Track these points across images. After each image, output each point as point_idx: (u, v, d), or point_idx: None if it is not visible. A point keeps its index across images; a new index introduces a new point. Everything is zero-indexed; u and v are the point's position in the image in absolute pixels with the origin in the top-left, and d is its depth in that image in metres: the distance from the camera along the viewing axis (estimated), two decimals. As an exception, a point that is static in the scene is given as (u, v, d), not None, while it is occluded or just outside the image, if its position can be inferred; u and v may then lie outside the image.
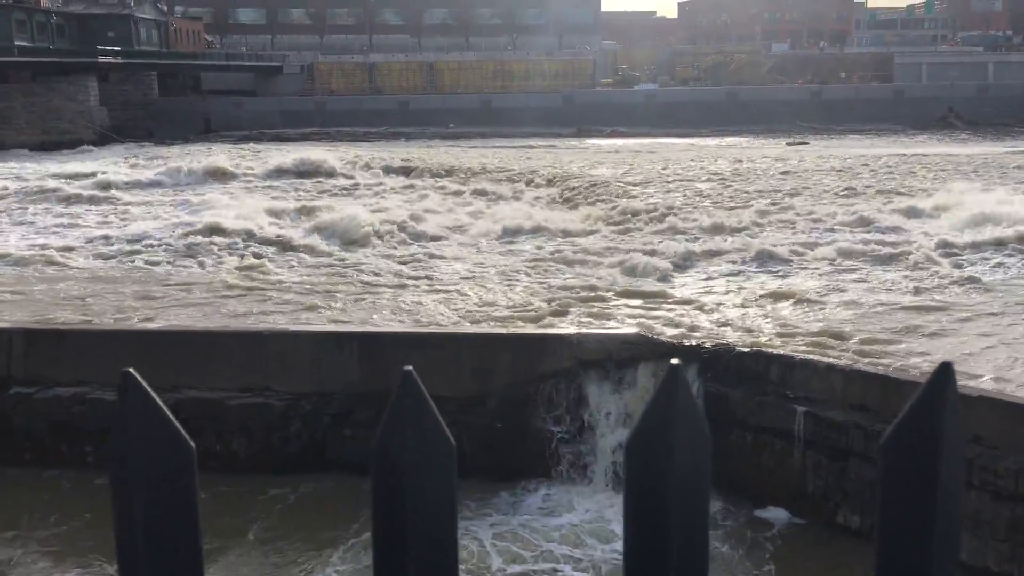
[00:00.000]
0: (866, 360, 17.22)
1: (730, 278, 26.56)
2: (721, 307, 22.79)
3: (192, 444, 1.58)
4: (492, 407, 18.34)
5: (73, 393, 18.79)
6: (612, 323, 21.25)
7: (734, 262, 28.60)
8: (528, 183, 51.43)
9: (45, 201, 47.97)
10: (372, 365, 18.63)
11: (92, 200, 47.92)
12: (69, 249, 34.27)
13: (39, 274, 30.29)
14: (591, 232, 35.95)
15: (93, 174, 57.37)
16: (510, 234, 35.74)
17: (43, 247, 34.47)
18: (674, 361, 1.57)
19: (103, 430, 18.43)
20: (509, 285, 26.79)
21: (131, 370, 1.52)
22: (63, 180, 54.95)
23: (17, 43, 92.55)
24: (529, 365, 18.24)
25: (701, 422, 1.54)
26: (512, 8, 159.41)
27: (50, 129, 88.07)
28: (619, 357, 17.98)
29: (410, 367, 1.62)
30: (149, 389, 1.52)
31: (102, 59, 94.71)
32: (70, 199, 48.21)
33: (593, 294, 24.65)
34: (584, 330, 19.60)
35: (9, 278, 29.81)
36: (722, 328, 20.45)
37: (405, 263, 31.06)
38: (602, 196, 43.74)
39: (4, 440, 18.74)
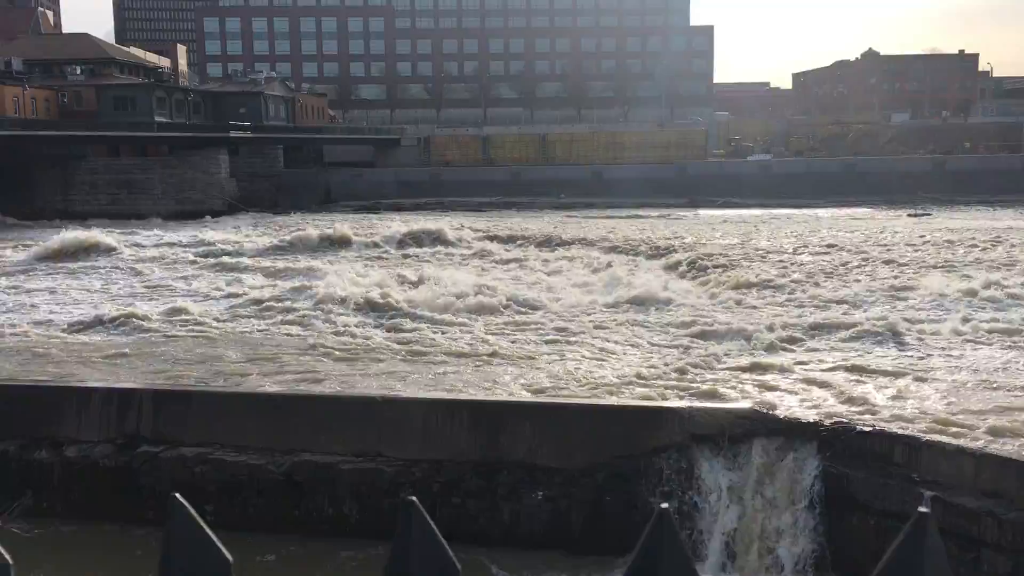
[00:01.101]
0: (999, 443, 16.31)
1: (849, 353, 25.66)
2: (840, 383, 21.99)
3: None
4: (601, 480, 18.12)
5: (197, 453, 19.48)
6: (725, 397, 20.81)
7: (854, 337, 27.66)
8: (640, 253, 51.37)
9: (178, 267, 50.55)
10: (482, 433, 18.73)
11: (220, 267, 50.26)
12: (197, 312, 35.89)
13: (168, 335, 31.78)
14: (705, 302, 35.51)
15: (219, 242, 60.31)
16: (620, 303, 35.63)
17: (174, 311, 36.21)
18: (923, 509, 1.58)
19: (224, 489, 19.03)
20: (620, 354, 26.61)
21: (177, 495, 1.70)
22: (194, 247, 57.92)
23: (157, 119, 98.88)
24: (640, 438, 17.99)
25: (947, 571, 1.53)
26: (624, 81, 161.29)
27: (184, 199, 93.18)
28: (732, 432, 17.56)
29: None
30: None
31: (233, 134, 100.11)
32: (200, 265, 50.70)
33: (706, 366, 24.24)
34: (696, 403, 19.24)
35: (140, 339, 31.38)
36: (842, 405, 19.74)
37: (513, 330, 31.28)
38: (717, 267, 43.27)
39: (131, 498, 19.51)
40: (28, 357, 28.78)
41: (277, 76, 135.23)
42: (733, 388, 21.78)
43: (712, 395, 21.05)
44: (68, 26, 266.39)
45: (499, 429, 18.62)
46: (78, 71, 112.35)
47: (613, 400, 20.61)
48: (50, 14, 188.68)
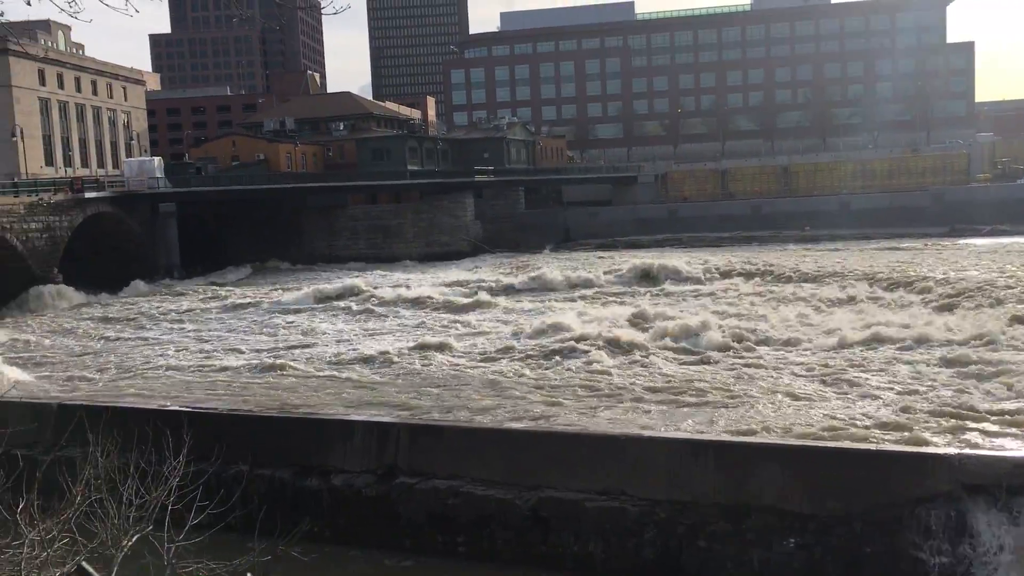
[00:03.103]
0: None
1: None
2: None
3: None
4: (858, 529, 17.02)
5: (448, 486, 20.29)
6: (1003, 444, 18.95)
7: None
8: (898, 285, 48.20)
9: (426, 308, 53.26)
10: (729, 475, 18.18)
11: (465, 307, 52.41)
12: (447, 350, 37.60)
13: (421, 371, 33.50)
14: (976, 342, 32.64)
15: (467, 282, 63.05)
16: (873, 339, 33.55)
17: (423, 347, 38.14)
18: None
19: (474, 522, 19.67)
20: (876, 394, 25.01)
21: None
22: (443, 287, 60.90)
23: (410, 167, 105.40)
24: (901, 485, 16.75)
25: None
26: (872, 105, 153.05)
27: (432, 242, 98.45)
28: (1011, 483, 15.95)
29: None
30: None
31: (478, 178, 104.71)
32: (447, 305, 53.10)
33: (979, 410, 22.23)
34: (968, 450, 17.67)
35: (395, 375, 33.29)
36: None
37: (756, 368, 30.24)
38: (989, 301, 39.74)
39: (389, 527, 20.62)
40: (299, 390, 31.34)
41: (518, 121, 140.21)
42: (1012, 434, 19.83)
43: (987, 440, 19.27)
44: (332, 85, 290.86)
45: (747, 471, 18.01)
46: (341, 127, 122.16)
47: (870, 444, 19.37)
48: (317, 76, 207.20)
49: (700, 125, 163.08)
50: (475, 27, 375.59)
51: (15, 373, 36.39)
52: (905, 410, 22.98)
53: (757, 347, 34.19)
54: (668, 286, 57.09)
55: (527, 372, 32.24)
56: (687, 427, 22.73)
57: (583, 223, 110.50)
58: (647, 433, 21.04)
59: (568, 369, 32.30)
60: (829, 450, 18.49)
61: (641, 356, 33.60)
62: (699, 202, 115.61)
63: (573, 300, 53.35)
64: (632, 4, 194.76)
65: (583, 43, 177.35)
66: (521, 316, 47.59)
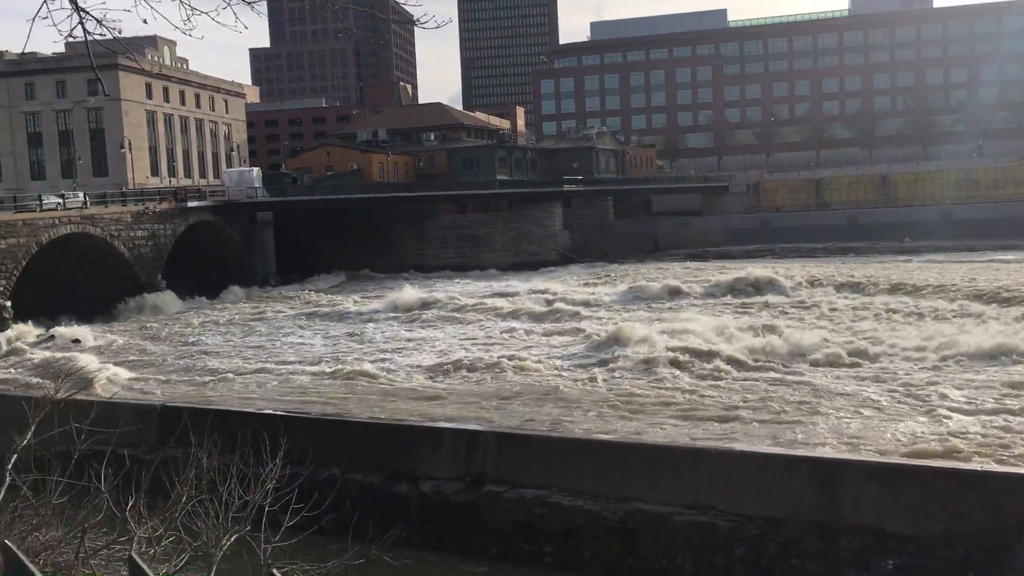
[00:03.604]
0: None
1: None
2: None
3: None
4: (963, 553, 16.37)
5: (536, 495, 20.30)
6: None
7: None
8: (1002, 299, 46.30)
9: (514, 317, 53.43)
10: (824, 493, 17.71)
11: (553, 315, 52.38)
12: (535, 360, 37.65)
13: (506, 380, 33.63)
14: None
15: (556, 291, 63.05)
16: (977, 356, 32.28)
17: (510, 357, 38.28)
18: None
19: (562, 533, 19.64)
20: (977, 412, 24.05)
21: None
22: (531, 295, 61.01)
23: (499, 177, 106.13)
24: (1011, 509, 16.05)
25: None
26: (977, 112, 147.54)
27: (520, 251, 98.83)
28: None
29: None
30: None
31: (567, 188, 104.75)
32: (534, 314, 53.17)
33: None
34: (1080, 474, 16.83)
35: (480, 384, 33.50)
36: None
37: (856, 382, 29.40)
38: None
39: (476, 534, 20.73)
40: (388, 397, 31.83)
41: (607, 130, 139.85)
42: None
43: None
44: (423, 95, 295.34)
45: (842, 489, 17.52)
46: (432, 137, 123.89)
47: (976, 464, 18.63)
48: (409, 87, 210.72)
49: (794, 134, 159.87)
50: (565, 37, 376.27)
51: (121, 375, 37.96)
52: (1008, 430, 22.05)
53: (857, 361, 33.27)
54: (763, 297, 55.88)
55: (614, 383, 32.05)
56: (782, 441, 22.25)
57: (673, 233, 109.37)
58: (738, 447, 20.67)
59: (654, 380, 31.99)
60: (933, 470, 17.84)
61: (733, 369, 33.05)
62: (792, 212, 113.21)
63: (664, 311, 52.81)
64: (724, 12, 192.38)
65: (674, 52, 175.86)
66: (607, 327, 47.32)
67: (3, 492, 10.91)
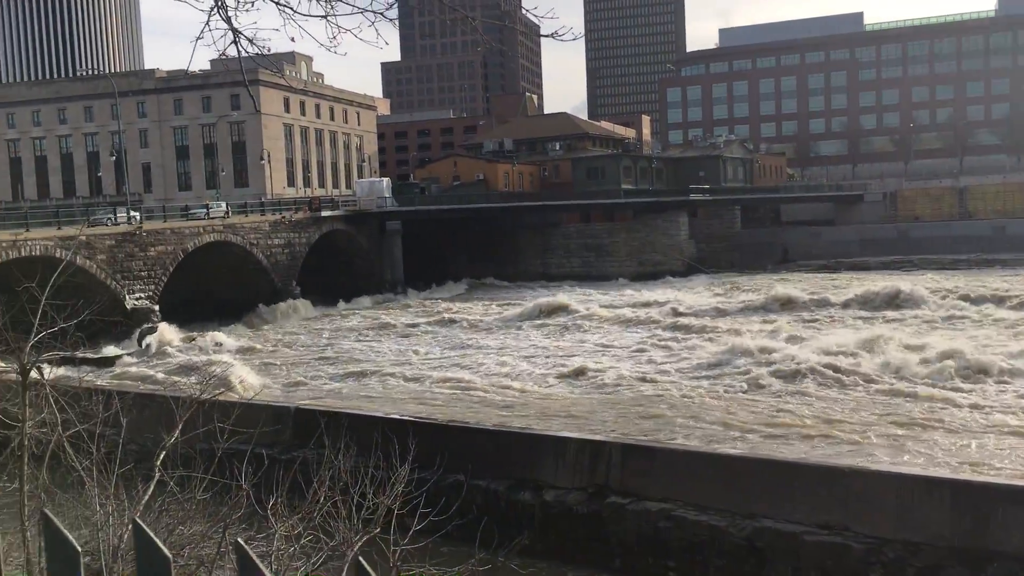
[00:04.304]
0: None
1: None
2: None
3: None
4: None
5: (660, 508, 20.04)
6: None
7: None
8: None
9: (639, 327, 52.98)
10: (968, 517, 16.82)
11: (683, 326, 51.66)
12: (654, 371, 37.25)
13: (629, 392, 33.37)
14: None
15: (682, 302, 62.15)
16: None
17: (634, 368, 37.98)
18: None
19: (686, 548, 19.31)
20: None
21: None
22: (656, 306, 60.34)
23: (624, 186, 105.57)
24: None
25: None
26: None
27: (645, 261, 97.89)
28: None
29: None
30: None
31: (693, 197, 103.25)
32: (662, 324, 52.55)
33: None
34: None
35: (604, 394, 33.34)
36: None
37: (1007, 401, 27.83)
38: None
39: (599, 546, 20.62)
40: (512, 404, 32.07)
41: (735, 138, 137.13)
42: None
43: None
44: (549, 105, 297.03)
45: (988, 514, 16.59)
46: (557, 147, 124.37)
47: None
48: (534, 97, 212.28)
49: (935, 140, 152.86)
50: (692, 45, 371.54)
51: (257, 377, 39.61)
52: None
53: (1006, 380, 31.50)
54: (903, 311, 53.36)
55: (742, 395, 31.34)
56: (920, 462, 21.27)
57: (803, 243, 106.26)
58: (874, 466, 19.87)
59: (785, 394, 31.11)
60: (1087, 498, 16.68)
61: (871, 383, 31.82)
62: (933, 222, 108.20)
63: (795, 323, 51.30)
64: (860, 15, 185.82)
65: (807, 57, 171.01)
66: (734, 338, 46.33)
67: (152, 487, 11.53)
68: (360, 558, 1.89)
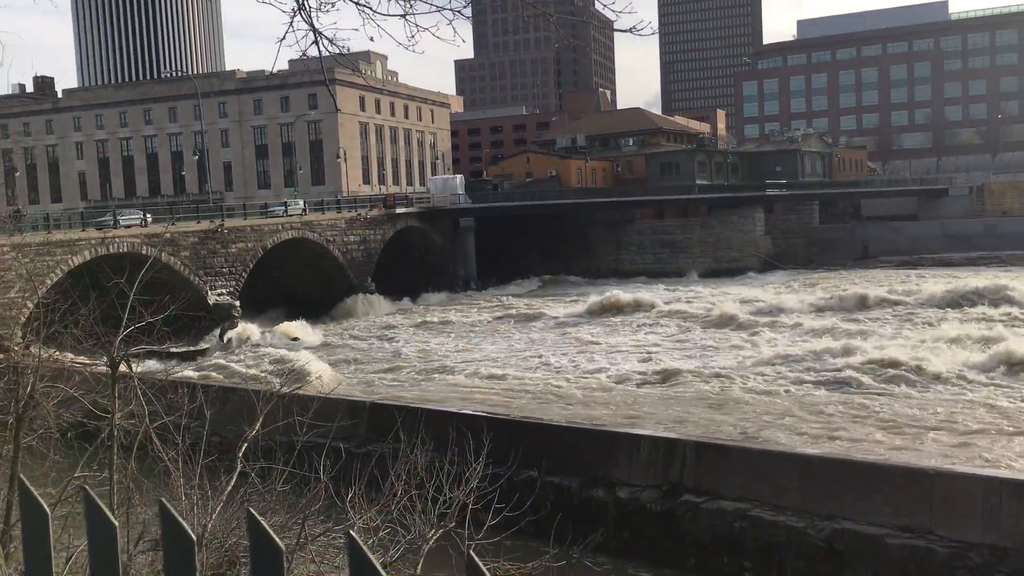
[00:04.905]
0: None
1: None
2: None
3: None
4: None
5: (736, 508, 19.77)
6: None
7: None
8: None
9: (716, 324, 52.28)
10: (1059, 524, 16.21)
11: (755, 324, 50.80)
12: (727, 368, 36.70)
13: (702, 389, 32.96)
14: None
15: (759, 298, 61.14)
16: None
17: (705, 365, 37.48)
18: None
19: (762, 548, 19.02)
20: None
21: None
22: (732, 302, 59.46)
23: (698, 181, 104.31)
24: None
25: None
26: None
27: (720, 257, 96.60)
28: None
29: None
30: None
31: (769, 192, 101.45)
32: (743, 322, 51.67)
33: None
34: None
35: (678, 391, 33.00)
36: None
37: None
38: None
39: (673, 544, 20.44)
40: (585, 400, 31.99)
41: (814, 132, 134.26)
42: None
43: None
44: (622, 101, 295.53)
45: (1082, 521, 15.95)
46: (630, 142, 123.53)
47: None
48: (608, 93, 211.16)
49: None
50: (768, 37, 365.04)
51: (333, 372, 40.27)
52: None
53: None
54: (995, 309, 51.19)
55: (824, 395, 30.71)
56: (1013, 464, 20.56)
57: (884, 239, 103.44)
58: (960, 468, 19.27)
59: (870, 394, 30.37)
60: None
61: (956, 385, 30.88)
62: (1022, 216, 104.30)
63: (880, 320, 50.01)
64: (945, 3, 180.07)
65: (888, 48, 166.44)
66: (814, 335, 45.38)
67: (235, 478, 11.83)
68: (472, 554, 1.90)
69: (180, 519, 1.95)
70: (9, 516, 10.70)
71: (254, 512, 1.99)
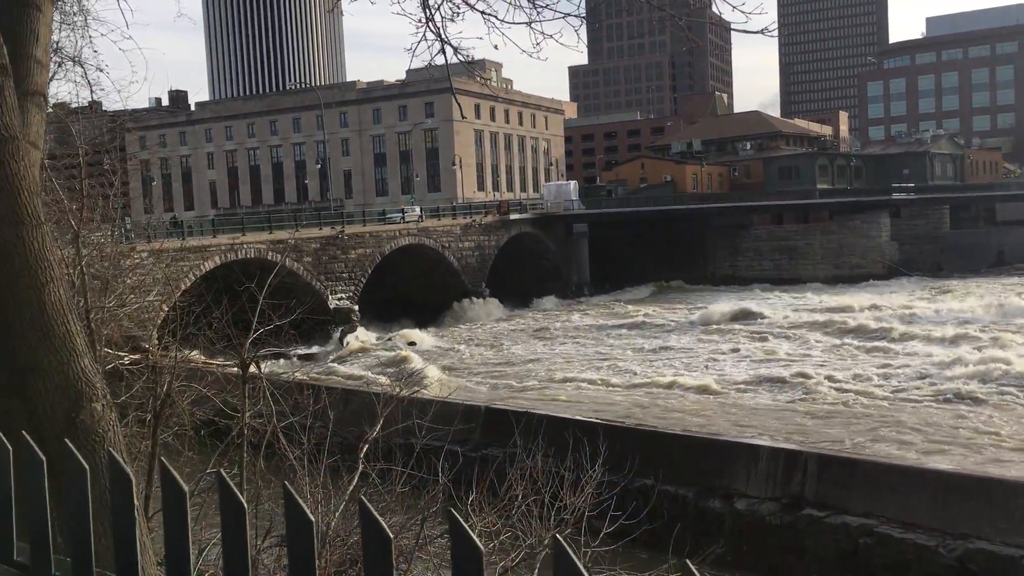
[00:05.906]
0: None
1: None
2: None
3: None
4: None
5: (861, 523, 19.05)
6: None
7: None
8: None
9: (840, 333, 50.57)
10: None
11: (887, 332, 48.88)
12: (849, 380, 35.43)
13: (825, 401, 31.92)
14: None
15: (884, 307, 58.87)
16: None
17: (828, 377, 36.26)
18: None
19: (890, 567, 18.27)
20: None
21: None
22: (855, 312, 57.43)
23: (819, 186, 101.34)
24: None
25: None
26: None
27: (842, 263, 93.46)
28: None
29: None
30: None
31: (895, 196, 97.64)
32: (870, 332, 49.85)
33: None
34: None
35: (796, 402, 32.05)
36: None
37: None
38: None
39: (793, 559, 19.84)
40: (700, 410, 31.46)
41: (944, 133, 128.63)
42: None
43: None
44: (739, 104, 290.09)
45: None
46: (748, 146, 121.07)
47: None
48: (724, 96, 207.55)
49: None
50: (894, 36, 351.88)
51: (449, 376, 40.83)
52: None
53: None
54: None
55: (955, 410, 29.32)
56: None
57: (1021, 244, 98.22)
58: (1110, 490, 18.05)
59: (1010, 407, 28.85)
60: None
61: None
62: None
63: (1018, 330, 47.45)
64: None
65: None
66: (948, 348, 43.34)
67: (356, 478, 12.12)
68: (559, 536, 1.91)
69: (300, 500, 2.04)
70: (147, 508, 11.24)
71: (364, 500, 2.05)
